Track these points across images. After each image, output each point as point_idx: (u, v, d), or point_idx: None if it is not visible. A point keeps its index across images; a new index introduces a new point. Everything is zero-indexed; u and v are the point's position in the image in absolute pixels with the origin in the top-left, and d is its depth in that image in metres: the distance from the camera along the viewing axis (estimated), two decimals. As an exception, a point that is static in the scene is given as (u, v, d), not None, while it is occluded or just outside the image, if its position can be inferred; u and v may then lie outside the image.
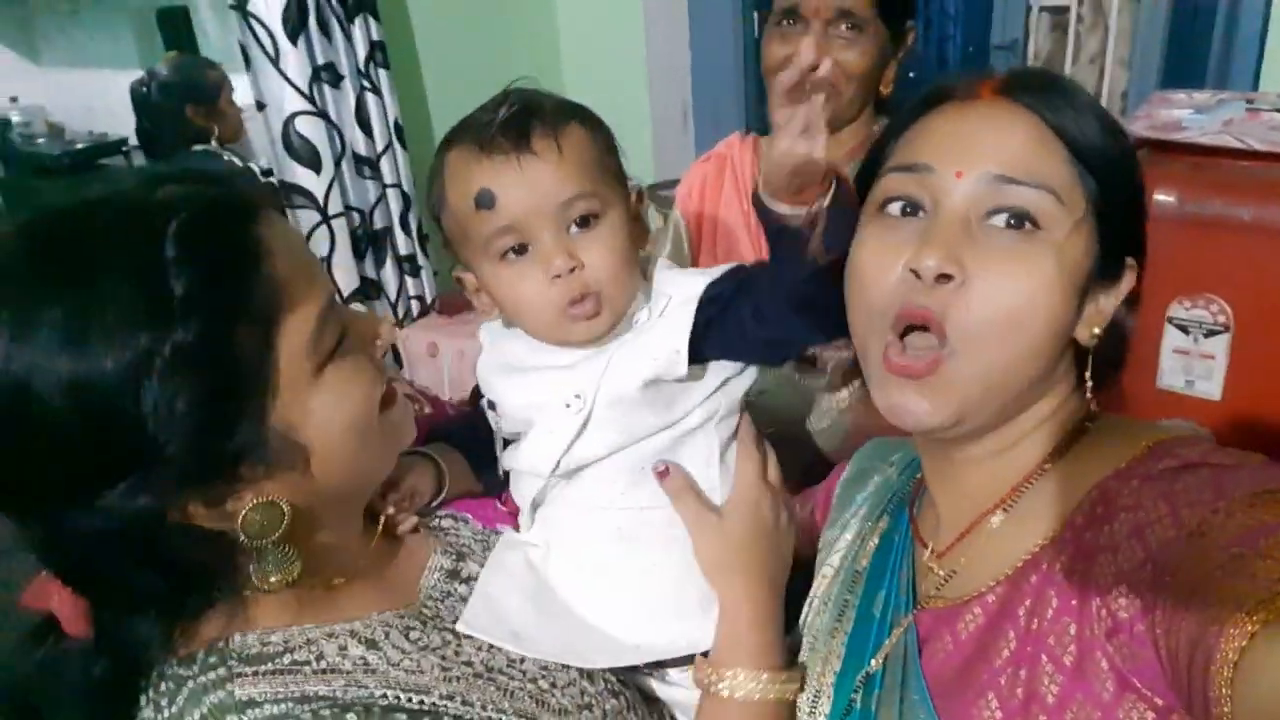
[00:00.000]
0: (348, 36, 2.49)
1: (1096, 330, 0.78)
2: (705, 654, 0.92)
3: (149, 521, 0.68)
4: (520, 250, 0.89)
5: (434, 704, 0.78)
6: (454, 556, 0.97)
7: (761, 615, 0.92)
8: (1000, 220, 0.74)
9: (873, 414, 0.83)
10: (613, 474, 0.94)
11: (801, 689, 0.91)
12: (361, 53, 2.52)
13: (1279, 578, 0.55)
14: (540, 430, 0.93)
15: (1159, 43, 2.39)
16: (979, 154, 0.75)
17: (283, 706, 0.72)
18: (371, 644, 0.81)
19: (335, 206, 2.56)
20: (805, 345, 1.20)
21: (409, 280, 2.82)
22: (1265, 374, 1.31)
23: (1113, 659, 0.66)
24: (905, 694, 0.81)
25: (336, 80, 2.50)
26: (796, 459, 1.12)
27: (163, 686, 0.74)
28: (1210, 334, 1.36)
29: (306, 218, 2.52)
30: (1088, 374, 0.80)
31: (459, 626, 0.88)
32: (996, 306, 0.72)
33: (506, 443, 1.01)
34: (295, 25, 2.36)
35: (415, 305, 2.86)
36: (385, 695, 0.76)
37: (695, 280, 0.94)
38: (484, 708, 0.81)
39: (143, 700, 0.74)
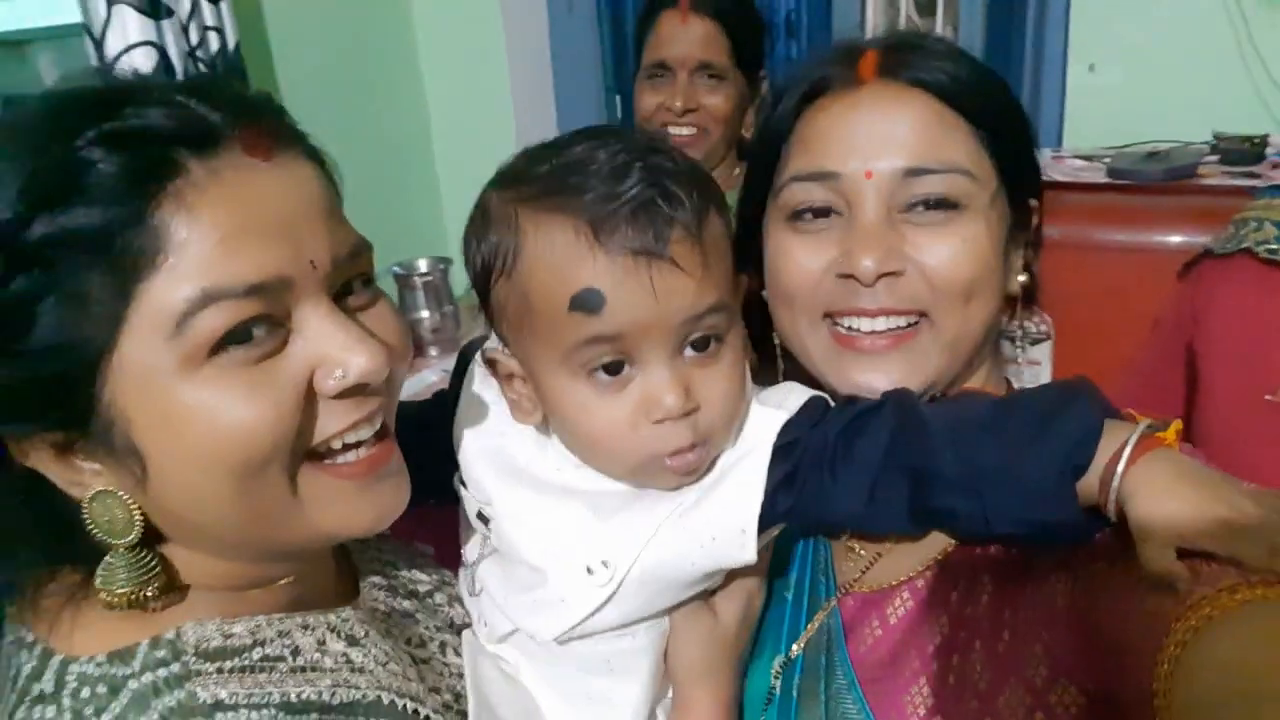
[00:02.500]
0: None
1: (1022, 279, 0.81)
2: None
3: None
4: (614, 369, 0.67)
5: (428, 716, 0.68)
6: (386, 575, 0.82)
7: (729, 714, 0.79)
8: (919, 207, 0.74)
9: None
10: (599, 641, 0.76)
11: None
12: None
13: (1218, 574, 0.56)
14: (545, 592, 0.73)
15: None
16: (882, 148, 0.74)
17: (265, 714, 0.60)
18: (353, 640, 0.68)
19: None
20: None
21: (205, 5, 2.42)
22: (1087, 374, 1.46)
23: (1047, 645, 0.66)
24: (831, 679, 0.78)
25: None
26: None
27: (84, 692, 0.59)
28: (1035, 342, 1.52)
29: None
30: (1014, 321, 0.83)
31: None
32: (950, 280, 0.73)
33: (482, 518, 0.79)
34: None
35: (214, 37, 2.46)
36: (380, 699, 0.65)
37: (770, 414, 0.73)
38: None
39: (45, 712, 0.59)
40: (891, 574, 0.80)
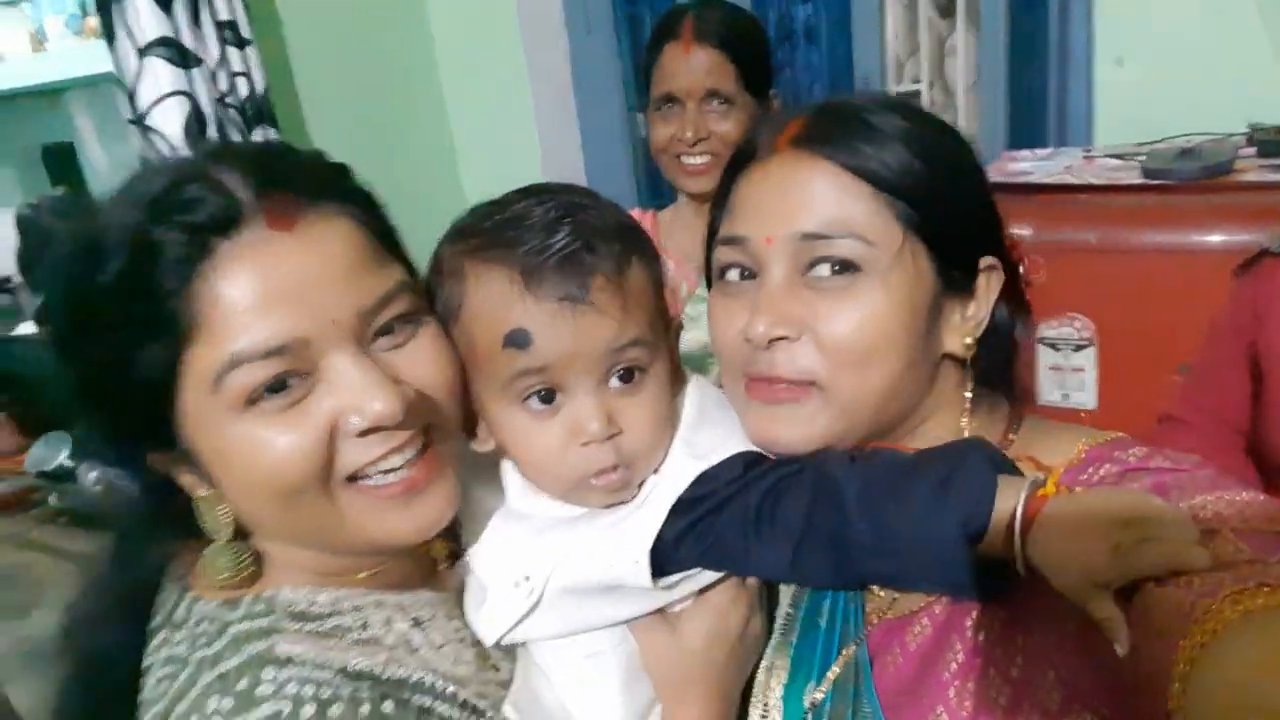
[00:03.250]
0: (248, 145, 2.53)
1: (968, 340, 0.79)
2: None
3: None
4: (547, 398, 0.77)
5: (467, 699, 0.76)
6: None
7: None
8: (824, 270, 0.76)
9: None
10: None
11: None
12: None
13: (1216, 584, 0.55)
14: (487, 599, 0.82)
15: (1003, 117, 2.65)
16: (783, 217, 0.77)
17: (324, 674, 0.69)
18: (417, 622, 0.79)
19: None
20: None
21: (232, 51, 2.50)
22: (1132, 379, 1.45)
23: (1060, 670, 0.66)
24: (858, 709, 0.80)
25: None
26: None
27: (201, 626, 0.73)
28: (1078, 349, 1.51)
29: None
30: (966, 389, 0.81)
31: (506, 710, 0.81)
32: (838, 346, 0.75)
33: None
34: (195, 135, 2.39)
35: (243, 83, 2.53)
36: (423, 680, 0.74)
37: (686, 464, 0.80)
38: None
39: (175, 635, 0.74)
40: (912, 601, 0.81)
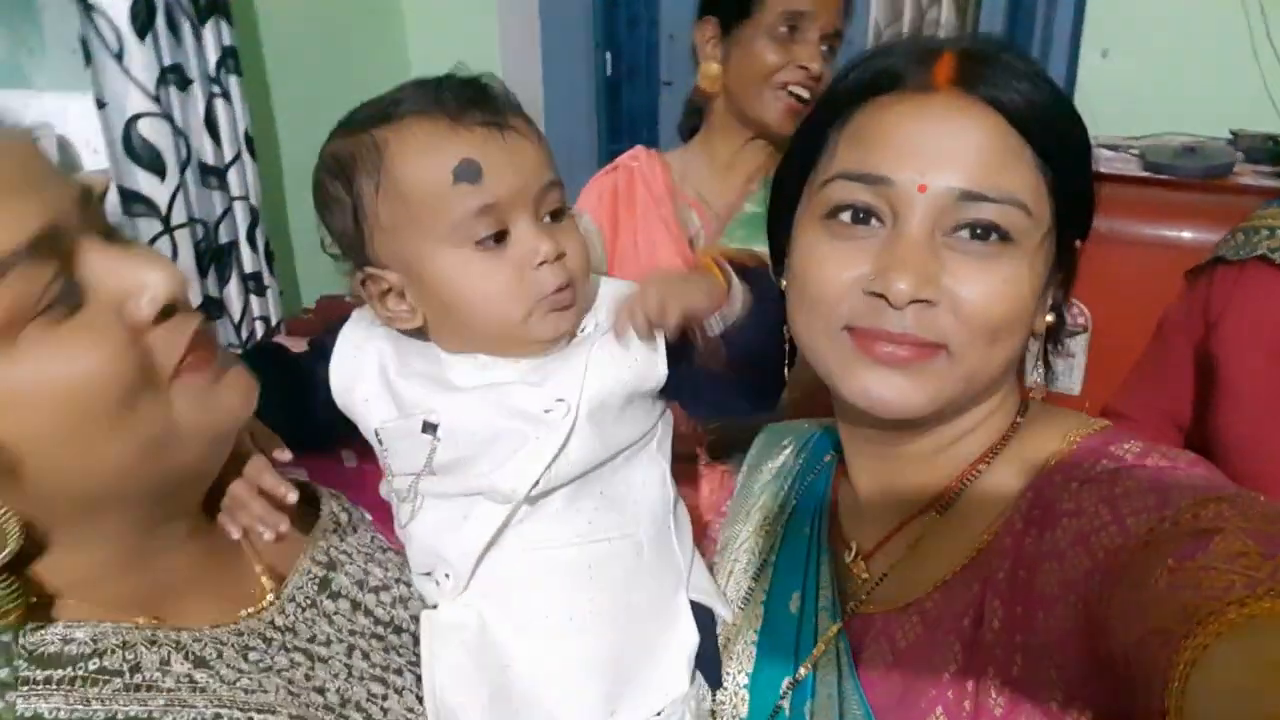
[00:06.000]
0: (198, 38, 2.34)
1: (1050, 318, 0.77)
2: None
3: None
4: (500, 238, 0.79)
5: None
6: (326, 564, 0.82)
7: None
8: (965, 233, 0.70)
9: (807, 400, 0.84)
10: (579, 500, 0.82)
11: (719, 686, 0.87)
12: (213, 57, 2.38)
13: (1224, 587, 0.54)
14: (514, 446, 0.79)
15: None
16: (942, 164, 0.70)
17: None
18: (201, 662, 0.66)
19: (179, 216, 2.38)
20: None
21: (254, 300, 2.65)
22: (1120, 369, 1.46)
23: (1061, 670, 0.65)
24: (845, 706, 0.77)
25: (184, 83, 2.33)
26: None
27: None
28: (1072, 334, 1.52)
29: (147, 227, 2.34)
30: (1036, 363, 0.79)
31: None
32: (982, 321, 0.69)
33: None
34: (144, 22, 2.19)
35: (260, 326, 2.69)
36: (220, 715, 0.63)
37: (617, 287, 0.89)
38: None
39: None
40: (898, 595, 0.78)
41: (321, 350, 0.87)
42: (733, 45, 1.53)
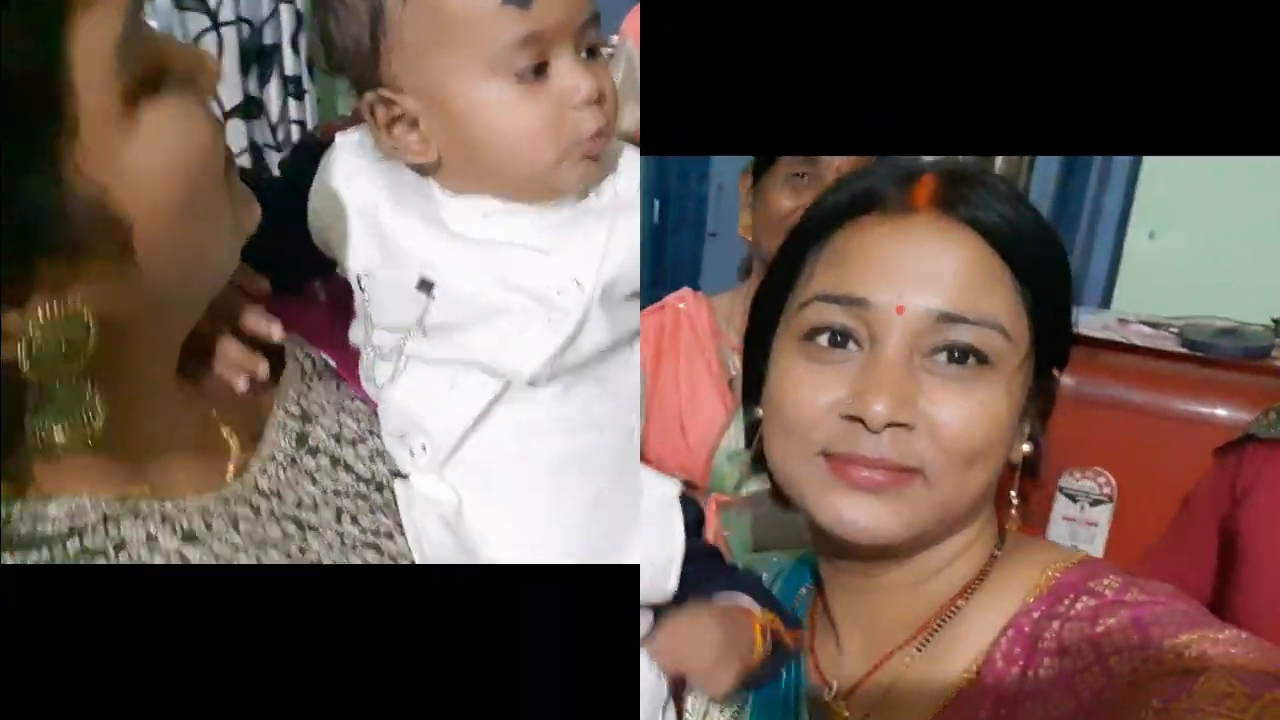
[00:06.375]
0: None
1: (1027, 448, 0.75)
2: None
3: None
4: (540, 70, 0.72)
5: None
6: (300, 417, 0.76)
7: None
8: (943, 356, 0.69)
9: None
10: (579, 385, 0.77)
11: None
12: None
13: None
14: (519, 325, 0.74)
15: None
16: (921, 285, 0.69)
17: None
18: (190, 536, 0.61)
19: (227, 14, 2.46)
20: None
21: (293, 103, 2.66)
22: (1142, 541, 1.44)
23: None
24: None
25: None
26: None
27: None
28: (1095, 503, 1.51)
29: (195, 21, 2.43)
30: (1012, 491, 0.77)
31: None
32: (958, 445, 0.69)
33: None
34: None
35: (296, 130, 2.68)
36: None
37: (628, 152, 0.82)
38: None
39: None
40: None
41: (298, 175, 0.81)
42: (758, 194, 1.59)
